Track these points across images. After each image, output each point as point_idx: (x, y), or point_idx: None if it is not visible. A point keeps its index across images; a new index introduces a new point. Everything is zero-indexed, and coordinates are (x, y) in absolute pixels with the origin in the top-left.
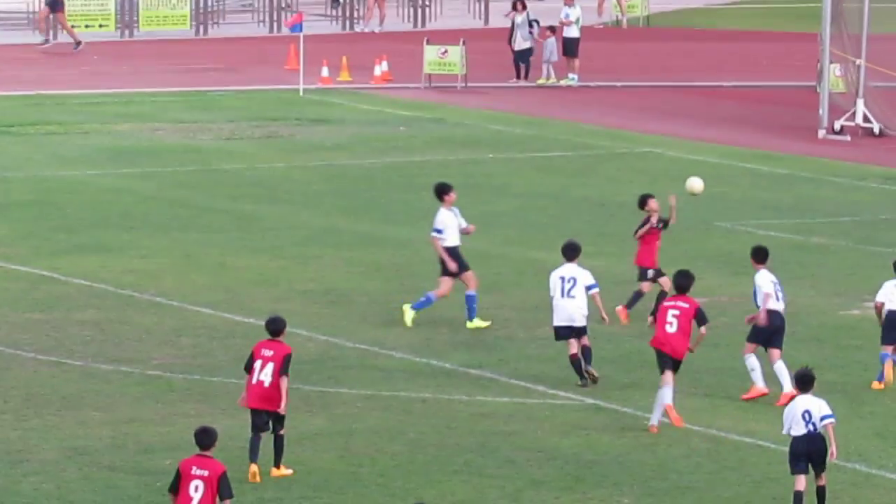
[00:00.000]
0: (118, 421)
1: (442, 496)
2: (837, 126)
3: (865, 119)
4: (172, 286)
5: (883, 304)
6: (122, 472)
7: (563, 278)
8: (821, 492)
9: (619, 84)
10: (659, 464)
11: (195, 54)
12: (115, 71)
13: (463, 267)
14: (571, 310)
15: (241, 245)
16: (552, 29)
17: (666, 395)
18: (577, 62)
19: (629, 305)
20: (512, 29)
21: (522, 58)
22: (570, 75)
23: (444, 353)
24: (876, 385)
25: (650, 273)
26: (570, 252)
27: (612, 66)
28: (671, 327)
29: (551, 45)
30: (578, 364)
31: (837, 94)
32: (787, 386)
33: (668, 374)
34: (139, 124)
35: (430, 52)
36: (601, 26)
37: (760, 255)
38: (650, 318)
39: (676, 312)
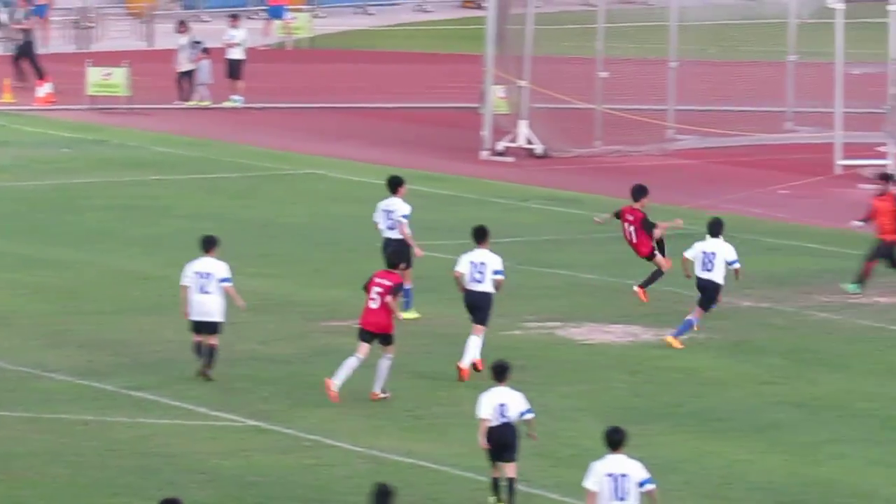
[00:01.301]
0: None
1: None
2: (501, 147)
3: (528, 140)
4: None
5: (689, 259)
6: None
7: (198, 273)
8: (510, 483)
9: (284, 105)
10: (321, 485)
11: None
12: None
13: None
14: (208, 305)
15: None
16: (206, 51)
17: (352, 363)
18: (241, 84)
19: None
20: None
21: (185, 79)
22: (235, 97)
23: (106, 375)
24: (671, 340)
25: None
26: (207, 245)
27: (278, 88)
28: (374, 303)
29: (205, 68)
30: (199, 348)
31: (501, 115)
32: (464, 361)
33: (365, 347)
34: None
35: (94, 74)
36: (266, 48)
37: (478, 236)
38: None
39: (379, 290)
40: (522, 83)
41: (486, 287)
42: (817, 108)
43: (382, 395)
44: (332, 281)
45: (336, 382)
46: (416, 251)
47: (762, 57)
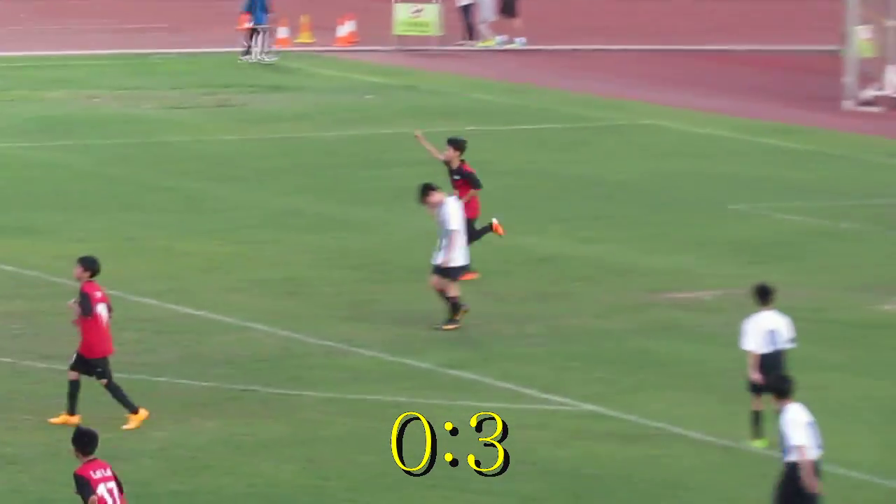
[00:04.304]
0: (53, 426)
1: None
2: (867, 96)
3: None
4: (112, 273)
5: None
6: (56, 483)
7: None
8: None
9: (608, 48)
10: (668, 480)
11: (133, 11)
12: (46, 30)
13: None
14: None
15: (189, 228)
16: None
17: None
18: (517, 22)
19: None
20: None
21: (465, 15)
22: (516, 39)
23: (421, 352)
24: None
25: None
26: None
27: (588, 26)
28: None
29: (486, 4)
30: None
31: (866, 59)
32: None
33: None
34: (73, 91)
35: (402, 11)
36: None
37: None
38: None
39: None
40: (892, 23)
41: None
42: None
43: None
44: (676, 246)
45: None
46: None
47: None
